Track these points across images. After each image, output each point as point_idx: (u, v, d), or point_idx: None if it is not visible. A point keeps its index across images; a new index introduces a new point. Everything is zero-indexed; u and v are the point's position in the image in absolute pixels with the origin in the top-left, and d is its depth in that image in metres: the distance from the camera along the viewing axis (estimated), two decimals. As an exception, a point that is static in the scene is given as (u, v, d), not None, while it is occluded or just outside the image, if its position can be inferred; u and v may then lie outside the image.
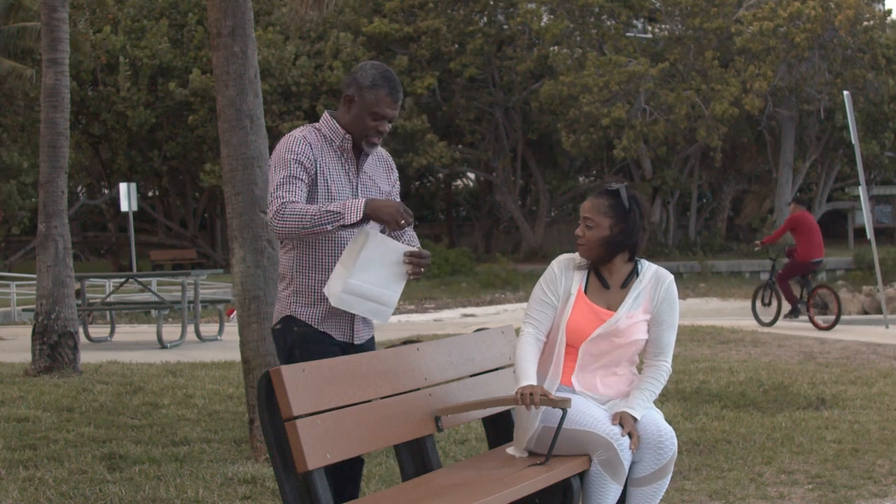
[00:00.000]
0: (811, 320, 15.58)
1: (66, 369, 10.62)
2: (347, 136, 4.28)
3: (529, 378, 4.31)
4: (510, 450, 4.56)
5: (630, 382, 4.49)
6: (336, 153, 4.29)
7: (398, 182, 4.56)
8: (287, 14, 35.76)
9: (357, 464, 4.44)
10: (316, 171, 4.22)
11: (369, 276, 4.22)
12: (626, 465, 4.24)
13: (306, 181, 4.20)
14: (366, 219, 4.11)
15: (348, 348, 4.35)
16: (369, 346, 4.47)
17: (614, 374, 4.46)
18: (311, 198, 4.23)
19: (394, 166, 4.54)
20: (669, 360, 4.47)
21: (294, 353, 4.26)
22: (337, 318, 4.32)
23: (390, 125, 4.33)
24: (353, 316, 4.34)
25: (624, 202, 4.42)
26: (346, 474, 4.36)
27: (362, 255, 4.19)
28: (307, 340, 4.28)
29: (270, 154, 6.86)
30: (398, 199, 4.46)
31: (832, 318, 15.40)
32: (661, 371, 4.45)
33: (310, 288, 4.28)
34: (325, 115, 4.36)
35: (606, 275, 4.49)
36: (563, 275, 4.51)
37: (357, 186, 4.32)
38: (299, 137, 4.24)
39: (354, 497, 4.38)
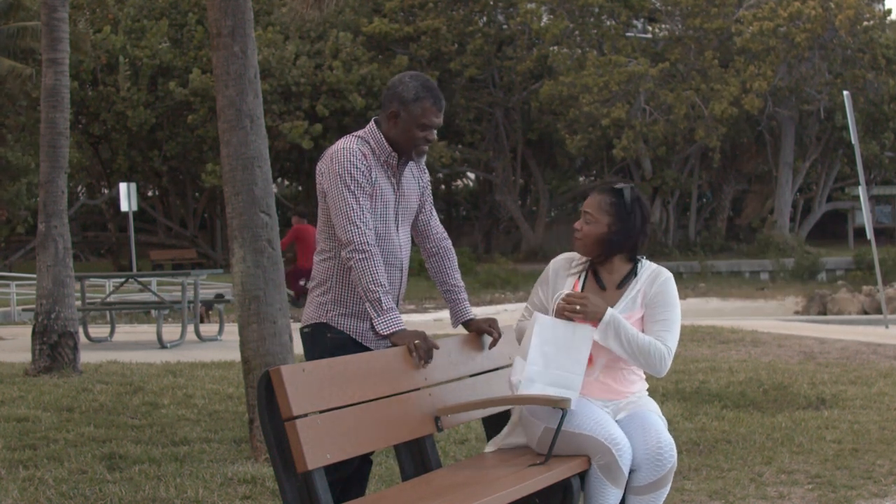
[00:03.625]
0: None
1: (66, 369, 10.62)
2: (394, 153, 4.35)
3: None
4: (488, 448, 4.57)
5: (638, 381, 4.48)
6: (382, 166, 4.35)
7: (429, 183, 4.62)
8: (287, 14, 35.73)
9: (365, 464, 4.45)
10: (372, 185, 4.29)
11: (546, 361, 4.27)
12: (626, 470, 4.21)
13: (370, 195, 4.26)
14: (386, 336, 4.25)
15: None
16: None
17: (618, 372, 4.43)
18: None
19: (425, 168, 4.60)
20: (668, 343, 4.35)
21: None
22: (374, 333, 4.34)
23: (436, 132, 4.40)
24: None
25: (626, 202, 4.40)
26: (355, 474, 4.37)
27: (534, 342, 4.26)
28: (340, 347, 4.31)
29: (270, 154, 6.92)
30: (430, 199, 4.60)
31: None
32: (655, 342, 4.34)
33: (348, 298, 4.32)
34: (372, 126, 4.38)
35: (605, 275, 4.46)
36: (557, 276, 4.51)
37: (398, 199, 4.39)
38: (357, 152, 4.27)
39: (362, 495, 4.38)
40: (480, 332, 4.64)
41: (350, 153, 4.25)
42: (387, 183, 4.34)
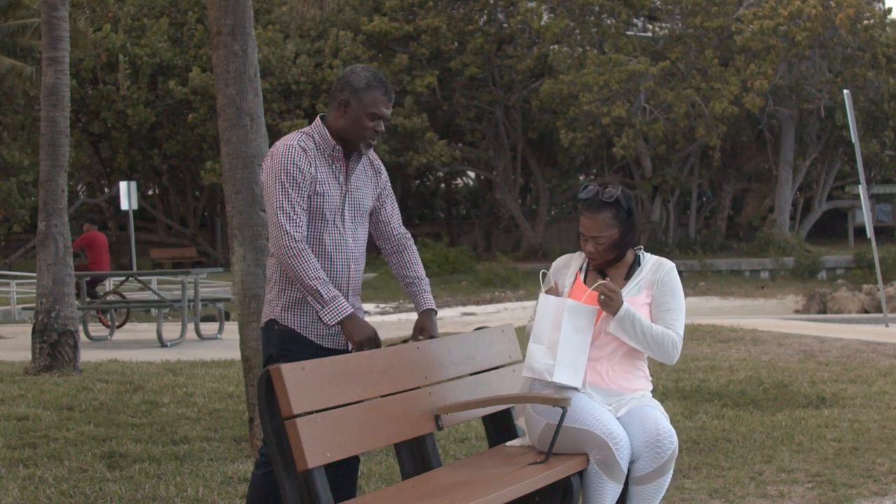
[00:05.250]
0: (101, 322, 17.02)
1: (67, 368, 10.63)
2: (338, 146, 4.32)
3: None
4: (514, 442, 4.58)
5: (643, 379, 4.50)
6: (327, 160, 4.33)
7: (388, 184, 4.58)
8: (287, 12, 35.76)
9: (353, 460, 4.44)
10: (312, 180, 4.27)
11: (565, 342, 4.31)
12: (624, 464, 4.23)
13: (306, 192, 4.25)
14: (337, 324, 4.20)
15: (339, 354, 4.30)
16: None
17: (624, 367, 4.46)
18: (305, 204, 4.26)
19: (382, 168, 4.57)
20: (679, 331, 4.43)
21: (272, 354, 4.30)
22: (324, 325, 4.30)
23: (385, 125, 4.38)
24: None
25: (624, 207, 4.44)
26: (343, 471, 4.36)
27: (565, 328, 4.30)
28: (287, 340, 4.31)
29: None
30: (391, 200, 4.55)
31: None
32: (667, 331, 4.41)
33: (292, 293, 4.30)
34: (318, 121, 4.38)
35: (609, 268, 4.52)
36: (558, 273, 4.59)
37: (346, 193, 4.36)
38: (297, 148, 4.26)
39: (352, 494, 4.37)
40: (417, 329, 4.53)
41: (289, 150, 4.25)
42: (331, 177, 4.32)
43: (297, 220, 4.20)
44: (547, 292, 4.46)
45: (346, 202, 4.36)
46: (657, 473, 4.28)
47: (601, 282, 4.39)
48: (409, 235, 4.59)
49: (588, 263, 4.56)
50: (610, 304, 4.33)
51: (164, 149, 39.21)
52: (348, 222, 4.37)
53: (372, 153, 4.50)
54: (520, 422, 4.59)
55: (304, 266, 4.16)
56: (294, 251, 4.17)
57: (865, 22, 37.19)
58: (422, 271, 4.55)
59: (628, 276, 4.50)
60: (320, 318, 4.20)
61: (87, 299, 16.51)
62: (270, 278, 4.37)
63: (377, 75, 4.35)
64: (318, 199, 4.27)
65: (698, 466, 6.36)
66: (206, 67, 35.75)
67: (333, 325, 4.20)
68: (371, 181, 4.48)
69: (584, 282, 4.51)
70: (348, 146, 4.35)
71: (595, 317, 4.38)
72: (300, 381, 3.84)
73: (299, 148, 4.26)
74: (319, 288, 4.15)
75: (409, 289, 4.51)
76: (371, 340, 4.22)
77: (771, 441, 7.04)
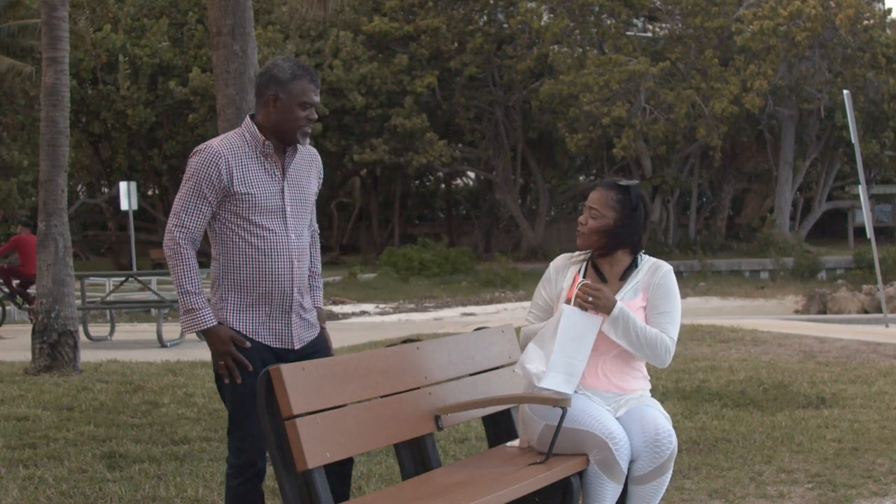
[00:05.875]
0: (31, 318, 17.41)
1: (66, 368, 10.63)
2: (268, 143, 4.30)
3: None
4: (514, 442, 4.59)
5: (641, 379, 4.50)
6: (259, 158, 4.30)
7: (321, 177, 4.57)
8: (287, 13, 35.75)
9: (347, 462, 4.43)
10: (231, 182, 4.23)
11: (560, 349, 4.32)
12: (624, 465, 4.24)
13: (212, 202, 4.26)
14: (197, 333, 4.28)
15: (287, 354, 4.28)
16: (314, 348, 4.40)
17: (621, 367, 4.47)
18: (236, 205, 4.25)
19: (320, 162, 4.56)
20: (672, 335, 4.43)
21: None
22: (270, 324, 4.30)
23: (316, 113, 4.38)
24: (289, 320, 4.32)
25: (632, 199, 4.45)
26: (337, 473, 4.35)
27: (561, 332, 4.31)
28: (236, 342, 4.29)
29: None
30: (316, 194, 4.52)
31: None
32: (661, 334, 4.41)
33: (235, 295, 4.30)
34: (247, 120, 4.36)
35: (606, 268, 4.52)
36: (559, 273, 4.58)
37: (284, 189, 4.33)
38: (216, 151, 4.25)
39: (345, 496, 4.37)
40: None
41: (204, 158, 4.24)
42: (264, 176, 4.29)
43: (189, 227, 4.25)
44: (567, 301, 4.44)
45: (287, 197, 4.33)
46: (656, 473, 4.29)
47: (582, 281, 4.39)
48: (318, 231, 4.59)
49: (587, 265, 4.56)
50: (597, 303, 4.33)
51: (164, 149, 39.19)
52: (290, 218, 4.33)
53: (311, 148, 4.48)
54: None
55: (180, 268, 4.25)
56: (174, 251, 4.26)
57: (865, 22, 37.20)
58: (320, 267, 4.58)
59: (624, 278, 4.50)
60: (183, 317, 4.25)
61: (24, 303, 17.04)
62: (214, 281, 4.36)
63: (300, 64, 4.34)
64: (248, 199, 4.25)
65: (698, 467, 6.36)
66: (206, 67, 35.73)
67: (190, 333, 4.28)
68: (312, 171, 4.47)
69: None
70: (284, 140, 4.32)
71: (598, 323, 4.37)
72: (300, 381, 3.84)
73: (217, 155, 4.23)
74: (182, 297, 4.22)
75: (308, 282, 4.50)
76: (227, 355, 4.20)
77: (771, 441, 7.04)
